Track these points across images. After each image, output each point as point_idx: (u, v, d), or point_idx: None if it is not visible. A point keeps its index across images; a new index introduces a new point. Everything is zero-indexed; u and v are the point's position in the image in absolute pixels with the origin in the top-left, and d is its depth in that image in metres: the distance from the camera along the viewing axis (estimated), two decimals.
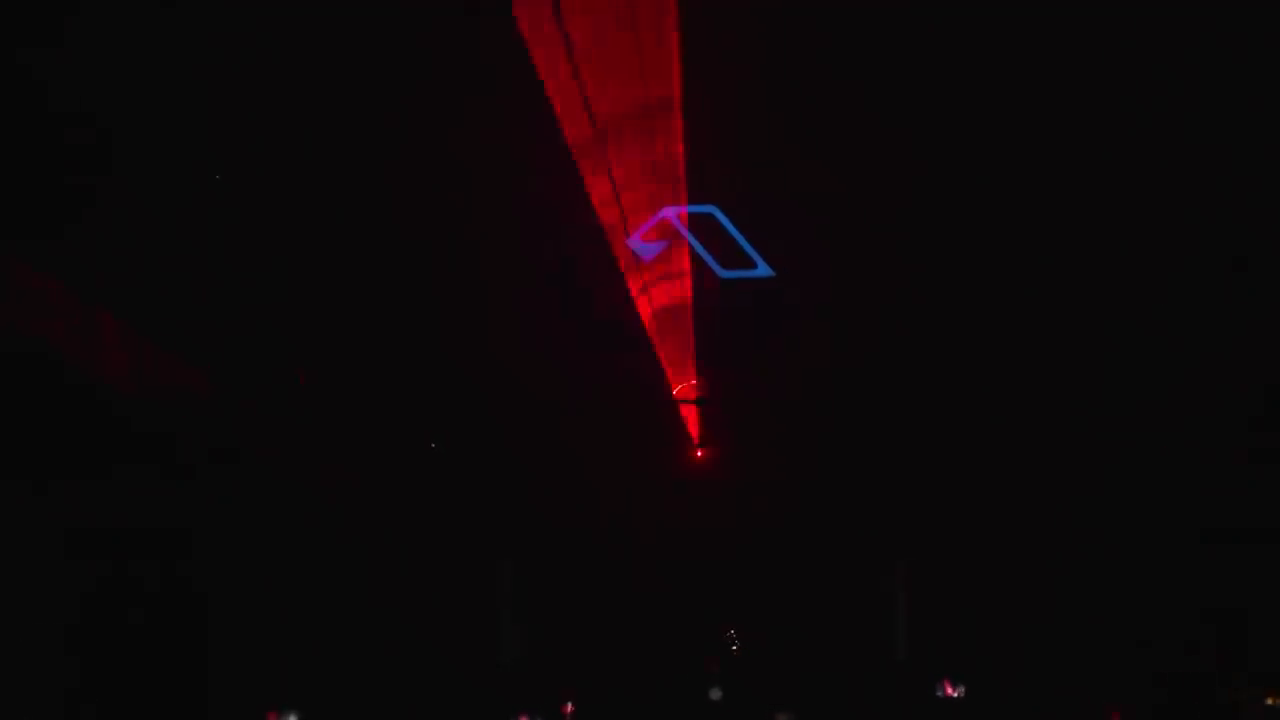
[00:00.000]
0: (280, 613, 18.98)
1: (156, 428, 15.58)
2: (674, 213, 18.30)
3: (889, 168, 17.38)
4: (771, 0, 15.37)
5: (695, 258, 18.55)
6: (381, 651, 21.91)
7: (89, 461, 14.25)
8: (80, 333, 13.95)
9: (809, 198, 18.14)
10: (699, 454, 26.12)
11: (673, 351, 23.10)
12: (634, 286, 20.76)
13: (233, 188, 16.03)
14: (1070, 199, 17.86)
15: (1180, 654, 21.40)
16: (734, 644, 27.28)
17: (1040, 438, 21.99)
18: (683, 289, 21.15)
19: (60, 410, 13.76)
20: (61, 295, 13.52)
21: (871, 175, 17.50)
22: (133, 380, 15.07)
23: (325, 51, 14.85)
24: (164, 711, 15.65)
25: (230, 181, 15.92)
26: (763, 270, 17.97)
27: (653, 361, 22.73)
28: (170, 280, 15.89)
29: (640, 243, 18.67)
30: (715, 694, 26.00)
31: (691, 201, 18.33)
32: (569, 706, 24.83)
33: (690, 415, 25.63)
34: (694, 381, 23.87)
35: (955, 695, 23.96)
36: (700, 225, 18.10)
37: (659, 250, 18.75)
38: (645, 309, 21.73)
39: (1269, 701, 21.46)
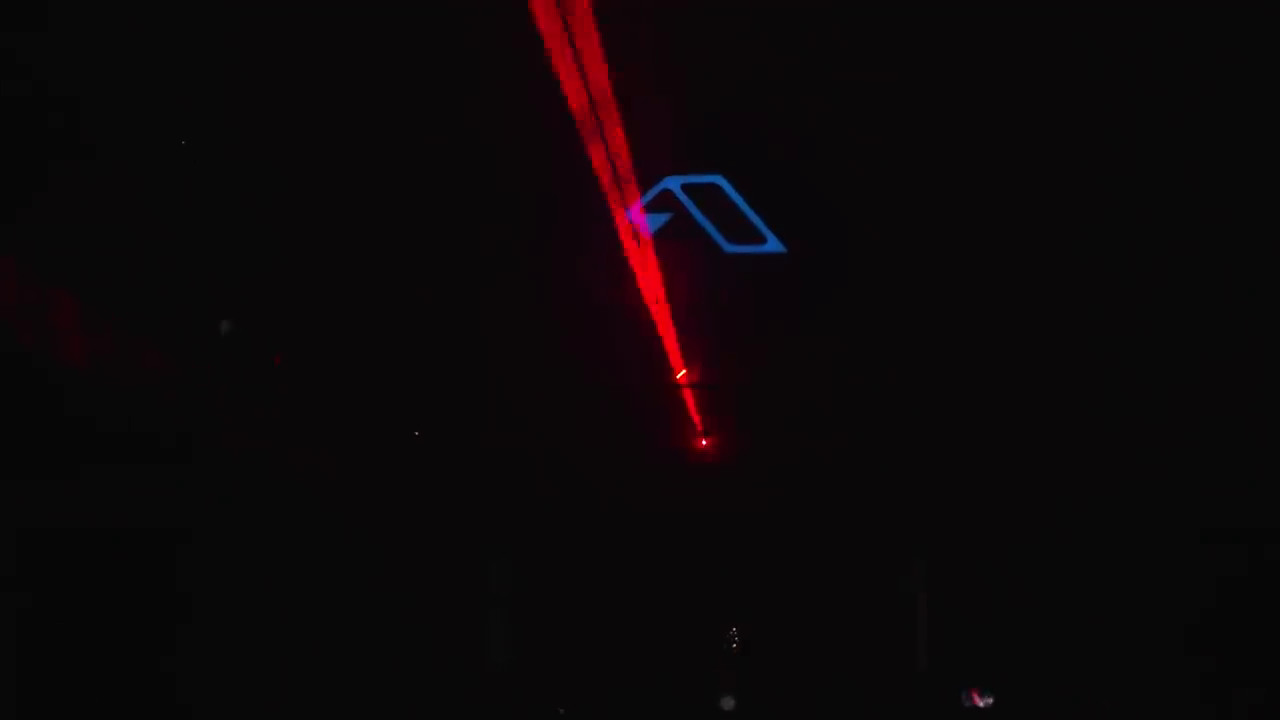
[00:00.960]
0: (258, 615, 18.20)
1: (120, 416, 14.73)
2: (677, 184, 17.18)
3: (916, 139, 16.12)
4: None
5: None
6: (370, 652, 21.25)
7: (49, 455, 13.29)
8: (34, 313, 13.03)
9: (824, 171, 17.00)
10: (704, 443, 25.24)
11: (676, 333, 22.10)
12: (635, 263, 19.80)
13: (202, 156, 15.13)
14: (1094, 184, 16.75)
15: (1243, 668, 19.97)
16: (734, 642, 26.61)
17: (1072, 429, 20.77)
18: (686, 269, 20.13)
19: (13, 398, 12.81)
20: (12, 272, 12.57)
21: (898, 147, 16.25)
22: (93, 365, 14.18)
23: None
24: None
25: (198, 150, 15.02)
26: (774, 246, 16.99)
27: (655, 344, 21.74)
28: (137, 259, 14.94)
29: (642, 216, 17.61)
30: (728, 704, 25.00)
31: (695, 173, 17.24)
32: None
33: (693, 401, 24.54)
34: (698, 365, 22.89)
35: (983, 706, 22.85)
36: (706, 196, 17.02)
37: (662, 223, 17.66)
38: (648, 290, 20.81)
39: None
